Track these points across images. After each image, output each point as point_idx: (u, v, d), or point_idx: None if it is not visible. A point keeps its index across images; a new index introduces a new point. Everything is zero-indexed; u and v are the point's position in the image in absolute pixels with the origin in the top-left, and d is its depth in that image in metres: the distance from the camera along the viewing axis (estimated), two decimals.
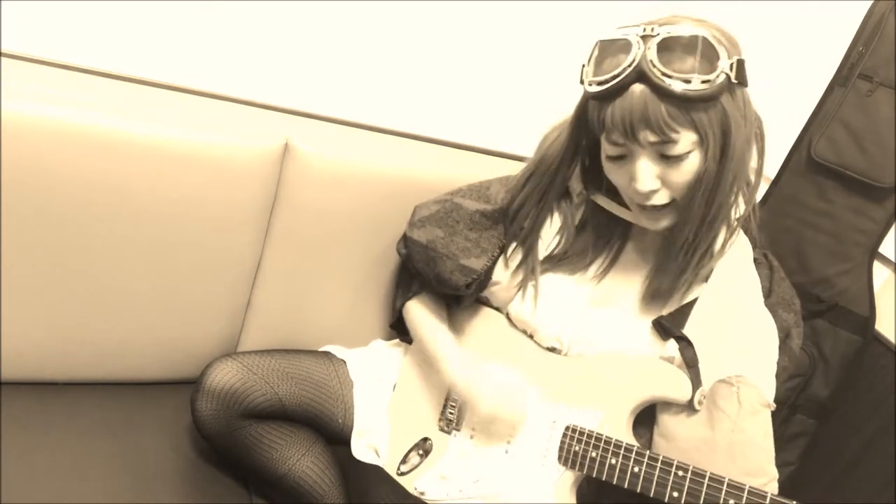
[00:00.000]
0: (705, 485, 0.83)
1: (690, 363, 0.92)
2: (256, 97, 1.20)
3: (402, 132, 1.32)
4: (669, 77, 0.82)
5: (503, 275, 1.06)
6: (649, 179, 0.88)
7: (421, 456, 1.06)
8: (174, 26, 1.12)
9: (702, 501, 0.83)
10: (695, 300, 0.97)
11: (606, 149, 0.91)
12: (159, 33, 1.12)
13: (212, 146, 1.06)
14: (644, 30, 0.85)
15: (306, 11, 1.19)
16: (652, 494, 0.87)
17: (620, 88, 0.84)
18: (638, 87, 0.83)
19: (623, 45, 0.85)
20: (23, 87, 0.97)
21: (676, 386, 0.92)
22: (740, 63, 0.86)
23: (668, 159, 0.87)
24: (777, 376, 0.95)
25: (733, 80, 0.85)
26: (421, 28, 1.28)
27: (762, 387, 0.91)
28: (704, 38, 0.83)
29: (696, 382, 0.91)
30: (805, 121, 1.39)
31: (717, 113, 0.85)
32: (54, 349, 1.09)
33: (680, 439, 0.91)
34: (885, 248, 1.35)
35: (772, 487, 0.88)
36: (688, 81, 0.82)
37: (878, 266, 1.37)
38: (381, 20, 1.25)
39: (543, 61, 1.39)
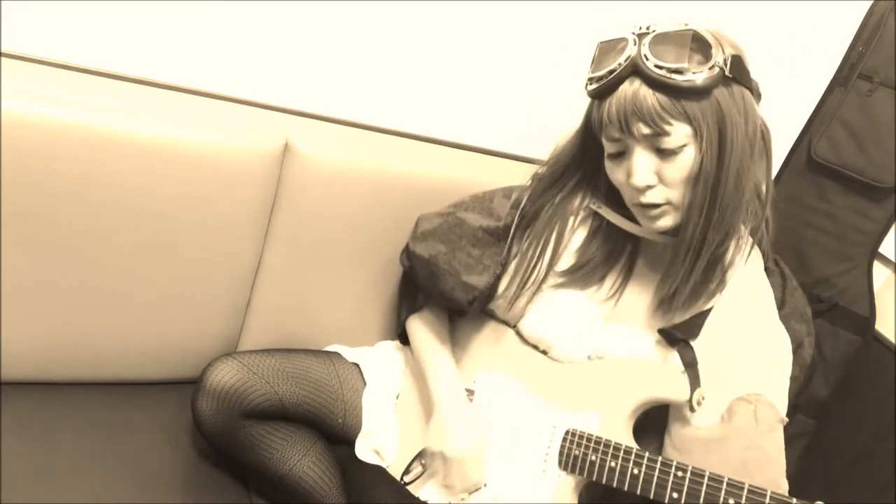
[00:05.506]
0: (705, 484, 0.83)
1: (688, 364, 0.92)
2: (256, 97, 1.20)
3: (402, 132, 1.32)
4: (660, 68, 0.84)
5: (508, 291, 1.04)
6: (645, 174, 0.88)
7: (424, 465, 1.06)
8: (174, 26, 1.12)
9: (702, 501, 0.82)
10: (707, 311, 0.96)
11: (606, 147, 0.92)
12: (159, 33, 1.12)
13: (212, 146, 1.06)
14: (640, 28, 0.87)
15: (306, 11, 1.19)
16: (652, 496, 0.86)
17: (616, 83, 0.86)
18: (632, 81, 0.86)
19: (619, 44, 0.87)
20: (23, 87, 0.97)
21: (673, 387, 0.92)
22: (736, 59, 0.86)
23: (663, 153, 0.87)
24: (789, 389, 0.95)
25: (728, 74, 0.85)
26: (421, 28, 1.28)
27: (776, 402, 0.91)
28: (695, 32, 0.85)
29: (693, 383, 0.91)
30: (805, 121, 1.40)
31: (711, 106, 0.85)
32: (54, 349, 1.09)
33: (694, 454, 0.90)
34: (885, 248, 1.35)
35: None
36: (679, 72, 0.83)
37: (878, 266, 1.37)
38: (381, 20, 1.24)
39: (544, 61, 1.39)
